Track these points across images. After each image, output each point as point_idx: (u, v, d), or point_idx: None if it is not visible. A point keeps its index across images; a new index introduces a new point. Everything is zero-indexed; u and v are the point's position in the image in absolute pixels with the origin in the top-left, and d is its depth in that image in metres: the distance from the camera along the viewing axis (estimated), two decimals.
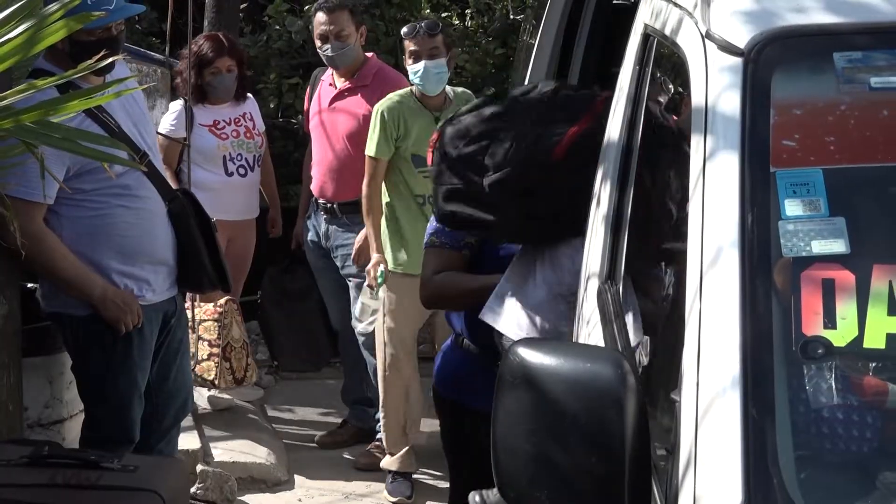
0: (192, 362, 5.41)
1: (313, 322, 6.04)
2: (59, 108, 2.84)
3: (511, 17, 8.62)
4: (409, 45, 5.16)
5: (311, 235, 5.85)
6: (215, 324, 5.57)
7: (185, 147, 5.63)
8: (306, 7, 8.41)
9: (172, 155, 5.74)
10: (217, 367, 5.56)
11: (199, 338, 5.56)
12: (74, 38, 3.70)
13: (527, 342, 1.95)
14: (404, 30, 5.26)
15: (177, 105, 5.85)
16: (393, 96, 5.24)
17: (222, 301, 5.59)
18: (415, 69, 5.14)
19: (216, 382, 5.61)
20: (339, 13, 5.60)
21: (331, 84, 5.75)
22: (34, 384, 4.16)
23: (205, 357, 5.58)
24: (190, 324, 5.41)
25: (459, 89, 5.47)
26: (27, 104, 2.79)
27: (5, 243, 3.61)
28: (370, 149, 5.22)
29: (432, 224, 3.60)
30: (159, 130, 5.84)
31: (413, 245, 5.04)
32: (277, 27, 8.48)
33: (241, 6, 8.24)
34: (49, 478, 3.28)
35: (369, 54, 5.82)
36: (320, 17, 5.66)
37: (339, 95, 5.68)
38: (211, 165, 5.83)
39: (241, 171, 5.90)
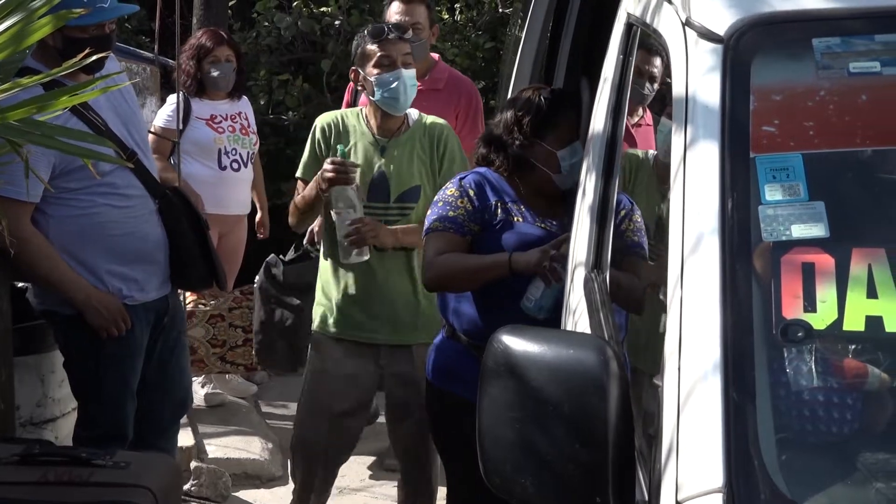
0: (224, 349, 5.47)
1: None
2: (45, 105, 2.83)
3: (500, 10, 8.64)
4: (378, 51, 4.08)
5: None
6: (248, 311, 5.59)
7: (177, 142, 5.66)
8: (294, 3, 8.43)
9: (166, 147, 5.80)
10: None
11: (231, 325, 5.60)
12: (67, 34, 3.71)
13: (510, 329, 1.96)
14: (368, 30, 4.16)
15: (175, 98, 5.89)
16: (335, 112, 4.30)
17: (246, 288, 5.65)
18: (386, 79, 4.06)
19: (256, 366, 5.68)
20: (417, 5, 5.26)
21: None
22: (26, 383, 4.16)
23: (239, 343, 5.63)
24: (218, 313, 5.47)
25: (438, 120, 4.31)
26: (12, 103, 2.79)
27: None
28: (299, 168, 4.29)
29: (433, 211, 3.62)
30: (155, 122, 5.92)
31: (343, 304, 4.17)
32: (266, 24, 8.49)
33: (230, 3, 8.25)
34: (41, 475, 3.28)
35: (435, 56, 5.45)
36: (396, 6, 5.26)
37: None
38: (205, 158, 5.91)
39: (235, 165, 5.97)
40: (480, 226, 3.56)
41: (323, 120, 4.22)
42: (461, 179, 3.64)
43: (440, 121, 4.30)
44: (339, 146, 4.02)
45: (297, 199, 4.20)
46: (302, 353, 4.96)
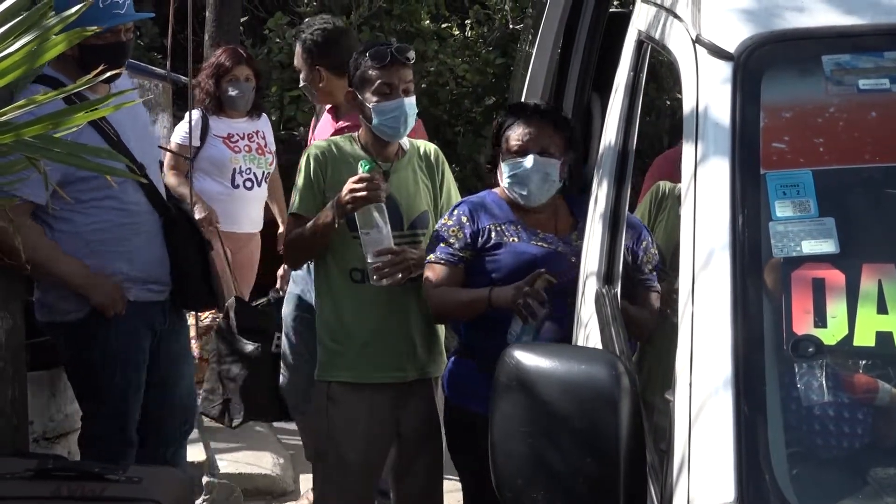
0: None
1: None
2: (60, 121, 2.85)
3: (510, 26, 8.66)
4: (379, 77, 3.76)
5: (297, 288, 4.61)
6: None
7: (194, 157, 5.70)
8: (306, 20, 8.46)
9: (184, 163, 5.83)
10: None
11: None
12: (84, 42, 3.73)
13: (522, 345, 1.97)
14: (370, 52, 3.80)
15: (193, 115, 5.93)
16: (325, 140, 3.99)
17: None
18: (387, 108, 3.76)
19: None
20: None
21: (333, 118, 4.87)
22: (39, 398, 4.18)
23: None
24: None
25: (428, 144, 4.07)
26: (28, 117, 2.81)
27: (8, 258, 3.62)
28: (293, 204, 3.91)
29: (431, 241, 3.68)
30: (173, 139, 5.96)
31: (361, 344, 3.82)
32: (278, 40, 8.53)
33: (242, 20, 8.29)
34: (54, 490, 3.30)
35: None
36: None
37: (340, 132, 4.60)
38: (220, 176, 5.96)
39: (248, 184, 6.01)
40: (474, 251, 3.61)
41: (316, 149, 3.87)
42: (456, 208, 3.70)
43: (430, 145, 4.04)
44: (363, 162, 3.70)
45: (304, 231, 3.79)
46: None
